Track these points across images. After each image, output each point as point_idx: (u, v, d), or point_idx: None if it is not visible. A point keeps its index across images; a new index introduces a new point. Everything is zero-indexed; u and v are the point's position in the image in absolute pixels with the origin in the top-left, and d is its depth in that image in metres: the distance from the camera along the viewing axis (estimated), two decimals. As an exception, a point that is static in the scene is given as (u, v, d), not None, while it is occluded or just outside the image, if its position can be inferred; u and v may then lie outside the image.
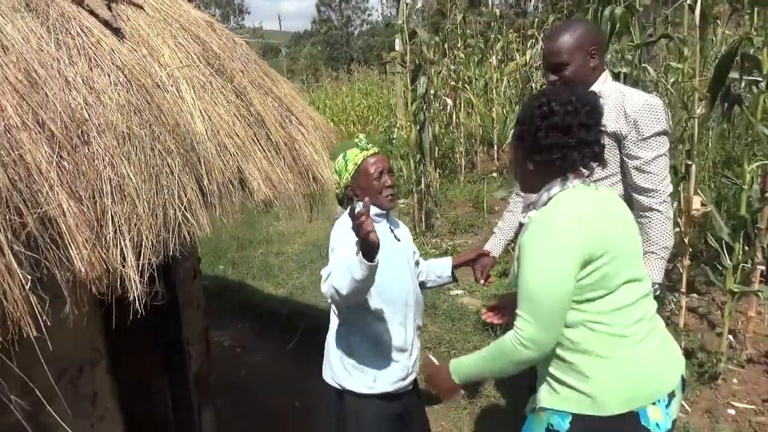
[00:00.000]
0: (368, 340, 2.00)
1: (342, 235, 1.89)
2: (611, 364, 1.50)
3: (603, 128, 1.58)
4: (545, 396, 1.60)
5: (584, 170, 1.60)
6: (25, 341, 1.33)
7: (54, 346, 1.49)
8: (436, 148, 7.78)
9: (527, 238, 1.53)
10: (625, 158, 2.17)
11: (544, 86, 7.99)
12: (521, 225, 1.71)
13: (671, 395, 1.55)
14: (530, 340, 1.47)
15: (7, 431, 1.60)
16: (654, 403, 1.51)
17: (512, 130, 1.67)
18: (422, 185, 6.60)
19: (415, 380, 2.17)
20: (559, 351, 1.54)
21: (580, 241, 1.46)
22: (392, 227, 2.11)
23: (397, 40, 9.59)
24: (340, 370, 2.04)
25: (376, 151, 2.07)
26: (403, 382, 2.07)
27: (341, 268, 1.66)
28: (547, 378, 1.60)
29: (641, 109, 2.11)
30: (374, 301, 1.96)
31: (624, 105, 2.14)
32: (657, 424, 1.51)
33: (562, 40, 2.20)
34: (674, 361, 1.62)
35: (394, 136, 9.24)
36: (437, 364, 1.84)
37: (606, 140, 2.11)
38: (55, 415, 1.42)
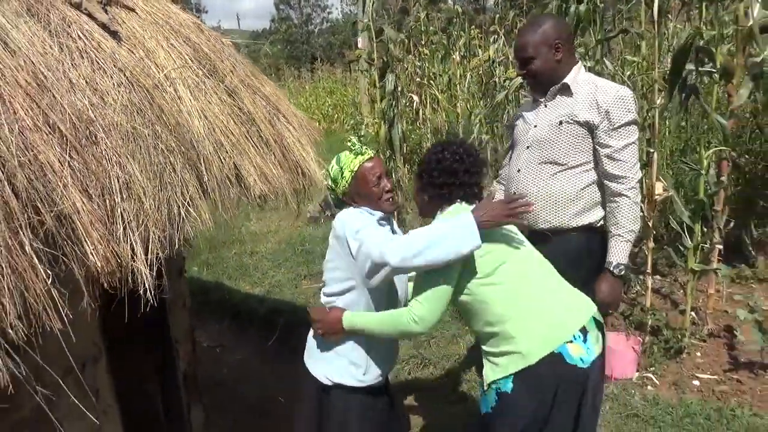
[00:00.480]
0: (363, 335, 2.00)
1: (367, 221, 1.93)
2: (528, 320, 1.80)
3: (484, 173, 1.99)
4: (489, 373, 1.87)
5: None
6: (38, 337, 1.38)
7: (65, 341, 1.54)
8: (405, 144, 7.89)
9: None
10: (597, 146, 2.30)
11: (506, 81, 8.10)
12: None
13: (584, 331, 1.82)
14: (420, 318, 1.81)
15: (20, 426, 1.64)
16: (571, 341, 1.78)
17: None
18: (393, 180, 6.70)
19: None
20: (490, 329, 1.85)
21: None
22: (393, 231, 2.13)
23: (359, 38, 9.66)
24: (331, 364, 2.02)
25: (372, 154, 2.03)
26: (384, 375, 2.11)
27: (437, 240, 1.69)
28: (489, 358, 1.88)
29: (613, 100, 2.24)
30: (382, 296, 2.00)
31: (596, 96, 2.27)
32: (581, 359, 1.78)
33: (527, 36, 2.35)
34: (578, 304, 1.91)
35: (362, 133, 9.32)
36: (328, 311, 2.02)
37: (579, 129, 2.27)
38: (80, 404, 1.47)
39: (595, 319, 1.90)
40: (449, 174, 1.92)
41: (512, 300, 1.82)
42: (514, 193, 2.44)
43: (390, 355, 2.14)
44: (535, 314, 1.81)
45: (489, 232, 1.79)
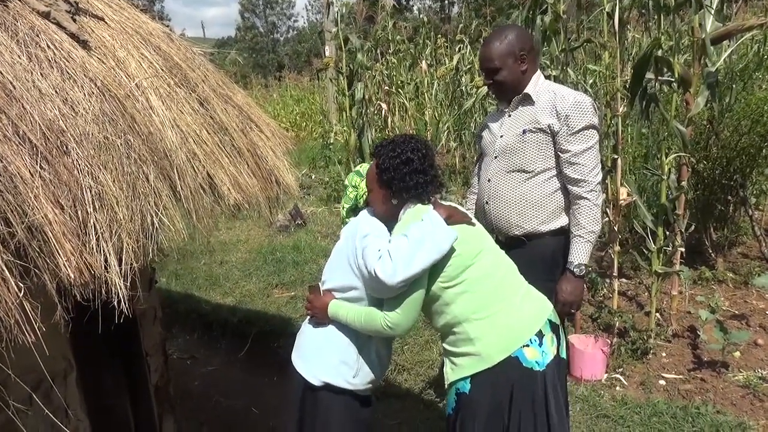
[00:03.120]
0: (360, 337, 2.02)
1: (373, 228, 1.96)
2: (487, 322, 1.86)
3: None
4: (450, 372, 1.96)
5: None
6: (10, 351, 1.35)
7: (32, 356, 1.51)
8: (374, 152, 7.92)
9: None
10: (558, 152, 2.35)
11: (473, 89, 8.18)
12: None
13: (540, 335, 1.88)
14: (395, 324, 1.86)
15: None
16: (527, 345, 1.85)
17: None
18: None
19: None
20: (450, 329, 1.92)
21: None
22: None
23: (326, 47, 9.69)
24: (322, 361, 2.02)
25: None
26: (374, 384, 2.10)
27: (419, 247, 1.78)
28: (449, 357, 1.96)
29: (571, 106, 2.29)
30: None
31: (555, 103, 2.32)
32: (536, 362, 1.86)
33: (493, 47, 2.38)
34: (536, 308, 1.97)
35: (331, 142, 9.33)
36: (322, 292, 2.08)
37: (542, 136, 2.32)
38: (50, 420, 1.43)
39: (550, 321, 1.96)
40: (422, 173, 1.94)
41: (474, 303, 1.87)
42: (487, 202, 2.48)
43: (381, 361, 2.12)
44: (495, 318, 1.87)
45: (459, 236, 1.84)
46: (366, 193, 2.10)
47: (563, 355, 2.02)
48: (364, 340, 2.03)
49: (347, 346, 2.02)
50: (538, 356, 1.86)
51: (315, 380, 2.01)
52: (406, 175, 1.92)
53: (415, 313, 1.88)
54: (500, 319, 1.87)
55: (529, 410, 1.85)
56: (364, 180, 2.10)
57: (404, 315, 1.86)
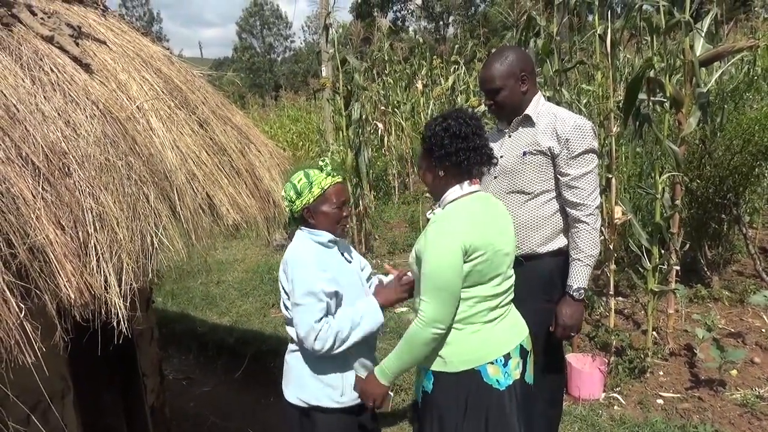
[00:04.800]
0: (337, 356, 2.01)
1: (312, 277, 1.95)
2: (462, 334, 1.89)
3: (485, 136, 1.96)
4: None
5: (478, 174, 1.98)
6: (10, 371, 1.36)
7: (30, 377, 1.51)
8: (371, 171, 7.97)
9: (430, 233, 1.88)
10: (557, 175, 2.37)
11: (469, 109, 8.34)
12: (428, 220, 2.02)
13: (507, 357, 1.91)
14: (432, 319, 1.81)
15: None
16: (492, 363, 1.88)
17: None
18: (360, 207, 6.75)
19: None
20: None
21: (467, 237, 1.81)
22: (341, 250, 2.16)
23: (323, 67, 9.80)
24: (307, 387, 2.04)
25: (341, 179, 2.09)
26: None
27: (354, 329, 1.95)
28: None
29: (571, 130, 2.31)
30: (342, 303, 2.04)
31: (556, 126, 2.34)
32: (497, 380, 1.89)
33: (495, 68, 2.40)
34: (510, 333, 1.98)
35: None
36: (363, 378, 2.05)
37: (542, 159, 2.34)
38: None
39: (522, 346, 1.98)
40: (461, 139, 1.87)
41: (459, 315, 1.87)
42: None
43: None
44: (469, 332, 1.89)
45: (488, 256, 1.85)
46: (301, 209, 2.03)
47: (529, 380, 2.03)
48: (342, 359, 2.03)
49: (328, 369, 2.04)
50: (500, 376, 1.89)
51: (304, 404, 2.04)
52: (444, 140, 1.87)
53: (451, 301, 1.81)
54: (474, 335, 1.89)
55: (481, 425, 1.87)
56: (302, 197, 2.03)
57: (439, 304, 1.80)
